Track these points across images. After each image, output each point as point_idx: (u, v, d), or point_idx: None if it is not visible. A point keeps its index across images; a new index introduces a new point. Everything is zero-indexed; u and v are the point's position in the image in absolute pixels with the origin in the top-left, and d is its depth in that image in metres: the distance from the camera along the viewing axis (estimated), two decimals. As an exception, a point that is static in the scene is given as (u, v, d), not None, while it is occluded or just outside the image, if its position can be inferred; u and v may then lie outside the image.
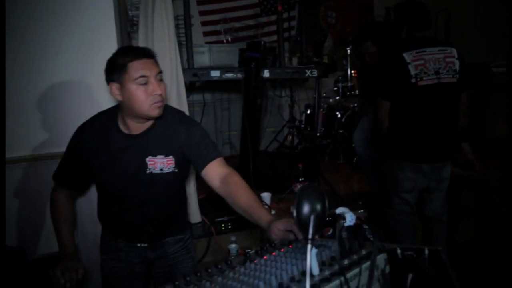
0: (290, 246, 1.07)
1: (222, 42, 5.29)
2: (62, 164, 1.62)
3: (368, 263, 0.82)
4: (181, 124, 1.56)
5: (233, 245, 2.51)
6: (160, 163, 1.52)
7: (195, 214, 2.60)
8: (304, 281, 0.78)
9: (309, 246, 0.69)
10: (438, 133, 2.39)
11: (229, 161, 4.08)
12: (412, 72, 2.27)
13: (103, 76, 2.02)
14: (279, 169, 3.49)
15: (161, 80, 1.46)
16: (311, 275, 0.80)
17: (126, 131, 1.52)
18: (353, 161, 4.17)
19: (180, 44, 4.57)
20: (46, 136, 2.05)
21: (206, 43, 5.19)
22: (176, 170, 1.56)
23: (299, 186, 3.01)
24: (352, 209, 2.89)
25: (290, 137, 4.65)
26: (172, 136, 1.53)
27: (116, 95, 1.43)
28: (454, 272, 0.84)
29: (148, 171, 1.52)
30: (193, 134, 1.55)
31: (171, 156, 1.53)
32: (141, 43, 2.31)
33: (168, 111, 1.57)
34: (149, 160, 1.51)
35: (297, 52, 4.87)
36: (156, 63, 1.46)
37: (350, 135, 4.21)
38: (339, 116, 4.19)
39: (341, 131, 4.21)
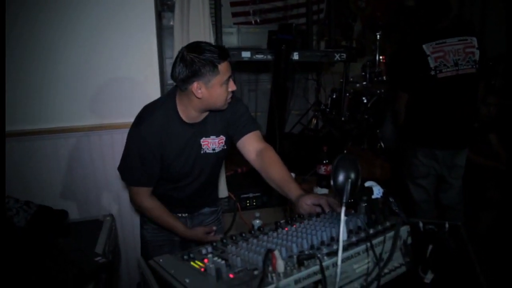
0: (319, 217, 1.16)
1: (250, 23, 5.30)
2: (135, 168, 1.56)
3: (392, 233, 0.90)
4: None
5: (257, 221, 2.60)
6: (212, 143, 1.61)
7: (222, 190, 2.72)
8: (333, 245, 0.87)
9: (343, 209, 0.77)
10: (454, 121, 2.41)
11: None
12: (432, 64, 2.29)
13: (141, 59, 2.16)
14: (303, 151, 3.55)
15: None
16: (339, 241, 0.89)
17: (188, 121, 1.55)
18: (376, 147, 4.19)
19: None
20: (87, 110, 2.18)
21: (235, 24, 5.21)
22: (225, 147, 1.66)
23: (322, 168, 3.07)
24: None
25: (314, 121, 4.69)
26: (221, 116, 1.61)
27: (198, 93, 1.44)
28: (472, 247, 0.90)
29: (202, 152, 1.60)
30: (236, 110, 1.63)
31: (221, 136, 1.62)
32: (176, 24, 2.40)
33: None
34: (203, 141, 1.60)
35: (325, 35, 4.85)
36: None
37: (375, 121, 4.22)
38: (365, 101, 4.19)
39: (366, 117, 4.22)
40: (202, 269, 0.87)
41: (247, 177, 3.11)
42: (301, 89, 5.24)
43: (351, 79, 4.25)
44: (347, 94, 4.28)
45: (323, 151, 3.12)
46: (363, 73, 4.38)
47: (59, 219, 1.90)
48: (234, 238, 1.05)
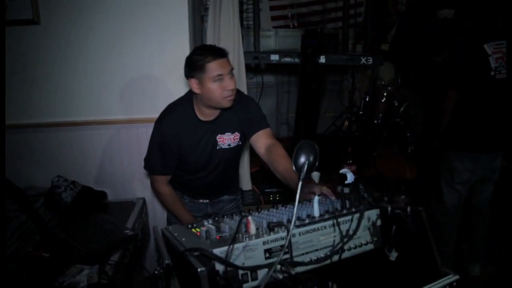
0: (310, 203, 1.32)
1: (288, 26, 5.46)
2: (155, 158, 1.78)
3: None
4: (240, 102, 1.80)
5: (278, 214, 2.78)
6: (228, 139, 1.80)
7: (246, 183, 2.91)
8: (305, 220, 1.04)
9: (300, 183, 0.94)
10: (501, 123, 2.40)
11: (286, 141, 4.33)
12: (493, 65, 2.28)
13: (173, 58, 2.39)
14: (330, 152, 3.67)
15: (232, 76, 1.65)
16: (313, 217, 1.06)
17: (203, 118, 1.74)
18: (407, 151, 4.20)
19: (248, 28, 4.88)
20: (127, 105, 2.46)
21: (274, 27, 5.40)
22: (240, 143, 1.84)
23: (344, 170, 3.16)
24: (395, 195, 2.98)
25: (346, 123, 4.76)
26: (235, 114, 1.79)
27: (195, 88, 1.63)
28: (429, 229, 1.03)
29: (218, 147, 1.80)
30: (250, 109, 1.81)
31: (236, 132, 1.81)
32: (209, 28, 2.62)
33: None
34: (219, 138, 1.79)
35: (362, 39, 4.91)
36: (228, 61, 1.64)
37: (406, 125, 4.23)
38: (396, 104, 4.21)
39: (397, 120, 4.24)
40: (198, 233, 1.06)
41: (272, 173, 3.27)
42: (336, 92, 5.33)
43: (383, 82, 4.30)
44: (381, 97, 4.32)
45: (347, 152, 3.24)
46: (395, 77, 4.41)
47: (99, 198, 2.20)
48: (233, 215, 1.24)
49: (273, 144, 1.75)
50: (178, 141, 1.74)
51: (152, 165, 1.82)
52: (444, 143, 2.55)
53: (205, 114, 1.74)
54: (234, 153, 1.88)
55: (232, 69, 1.65)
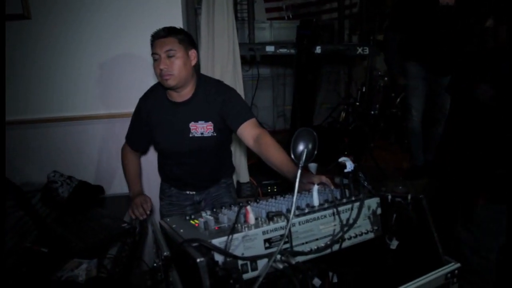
0: (309, 193, 1.31)
1: (283, 18, 5.43)
2: (130, 128, 1.98)
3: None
4: (218, 92, 1.79)
5: (276, 206, 2.77)
6: (201, 128, 1.80)
7: (244, 175, 2.89)
8: (304, 209, 1.03)
9: (299, 172, 0.93)
10: None
11: (282, 134, 4.31)
12: None
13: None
14: (327, 143, 3.66)
15: (172, 56, 1.67)
16: (312, 206, 1.05)
17: (172, 99, 1.80)
18: (404, 141, 4.20)
19: (242, 20, 4.84)
20: (120, 98, 2.43)
21: (268, 19, 5.36)
22: (215, 134, 1.82)
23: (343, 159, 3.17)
24: (394, 185, 2.95)
25: (343, 114, 4.75)
26: (211, 103, 1.78)
27: None
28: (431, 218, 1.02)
29: (190, 135, 1.80)
30: (228, 99, 1.78)
31: (210, 122, 1.79)
32: (203, 21, 2.58)
33: (206, 82, 1.84)
34: (192, 125, 1.79)
35: (357, 29, 4.89)
36: (172, 41, 1.67)
37: (403, 115, 4.22)
38: (393, 95, 4.21)
39: (394, 111, 4.24)
40: (196, 225, 1.05)
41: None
42: (332, 83, 5.31)
43: (380, 73, 4.28)
44: (378, 88, 4.32)
45: (344, 143, 3.24)
46: (392, 67, 4.39)
47: (96, 193, 2.19)
48: (231, 205, 1.23)
49: (260, 134, 1.70)
50: (147, 115, 1.85)
51: (128, 132, 2.00)
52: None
53: (171, 95, 1.80)
54: (211, 144, 1.84)
55: (169, 50, 1.66)
